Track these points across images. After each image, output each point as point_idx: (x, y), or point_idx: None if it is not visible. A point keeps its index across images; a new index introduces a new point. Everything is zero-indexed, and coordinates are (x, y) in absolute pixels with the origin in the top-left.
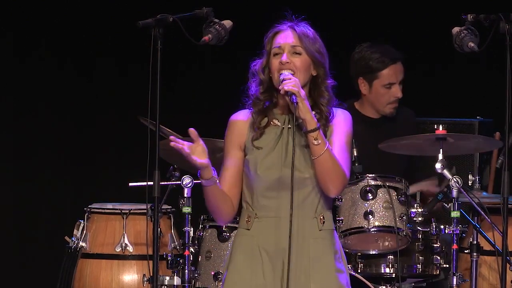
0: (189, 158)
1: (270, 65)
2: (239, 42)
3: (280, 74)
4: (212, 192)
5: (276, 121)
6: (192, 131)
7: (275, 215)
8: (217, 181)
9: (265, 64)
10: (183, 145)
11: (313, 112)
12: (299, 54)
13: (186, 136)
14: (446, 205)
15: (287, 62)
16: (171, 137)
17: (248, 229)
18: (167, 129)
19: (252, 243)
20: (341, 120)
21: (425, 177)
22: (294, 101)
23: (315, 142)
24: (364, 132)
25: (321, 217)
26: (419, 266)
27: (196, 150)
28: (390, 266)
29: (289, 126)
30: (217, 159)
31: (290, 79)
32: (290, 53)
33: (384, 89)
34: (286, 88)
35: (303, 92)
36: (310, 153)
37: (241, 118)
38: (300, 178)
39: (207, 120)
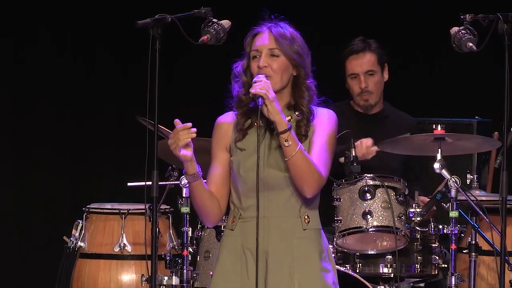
0: (179, 144)
1: (250, 67)
2: (239, 42)
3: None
4: (197, 189)
5: (260, 122)
6: (177, 121)
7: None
8: (201, 178)
9: (246, 66)
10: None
11: (297, 113)
12: (277, 56)
13: None
14: (444, 205)
15: (265, 66)
16: (176, 120)
17: (232, 230)
18: (166, 129)
19: (236, 244)
20: (324, 120)
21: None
22: (260, 103)
23: (286, 144)
24: (355, 127)
25: (305, 217)
26: (418, 266)
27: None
28: (389, 266)
29: (272, 127)
30: None
31: (260, 81)
32: (268, 56)
33: (352, 81)
34: (253, 91)
35: (272, 94)
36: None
37: (226, 120)
38: (281, 177)
39: (207, 120)
